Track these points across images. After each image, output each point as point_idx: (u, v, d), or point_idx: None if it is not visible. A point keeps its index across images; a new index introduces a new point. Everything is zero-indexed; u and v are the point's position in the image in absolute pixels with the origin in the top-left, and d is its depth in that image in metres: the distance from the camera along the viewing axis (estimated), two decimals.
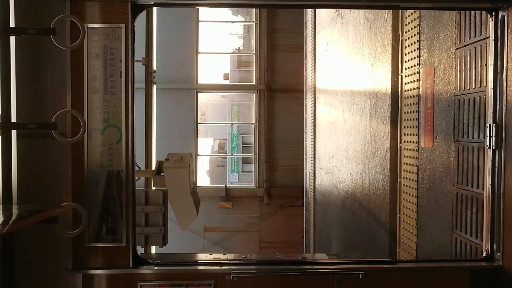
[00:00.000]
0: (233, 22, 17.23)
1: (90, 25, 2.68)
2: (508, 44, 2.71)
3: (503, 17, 2.75)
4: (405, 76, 4.56)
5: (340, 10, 7.08)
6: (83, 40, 2.56)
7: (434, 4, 3.00)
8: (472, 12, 3.24)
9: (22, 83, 2.51)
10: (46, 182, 2.72)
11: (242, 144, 17.40)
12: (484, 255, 2.87)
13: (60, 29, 2.48)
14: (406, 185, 4.53)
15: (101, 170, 2.72)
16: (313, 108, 10.07)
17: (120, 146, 2.72)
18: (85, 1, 2.68)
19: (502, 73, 2.75)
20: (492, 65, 2.81)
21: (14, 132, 2.45)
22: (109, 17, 2.69)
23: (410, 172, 4.42)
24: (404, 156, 4.58)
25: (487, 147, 2.85)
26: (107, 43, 2.69)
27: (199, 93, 13.74)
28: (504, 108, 2.74)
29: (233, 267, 2.79)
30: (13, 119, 2.47)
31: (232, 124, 17.37)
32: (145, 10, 2.91)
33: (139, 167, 7.79)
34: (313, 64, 10.23)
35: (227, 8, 13.31)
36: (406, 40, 4.53)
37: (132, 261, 2.75)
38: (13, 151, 2.45)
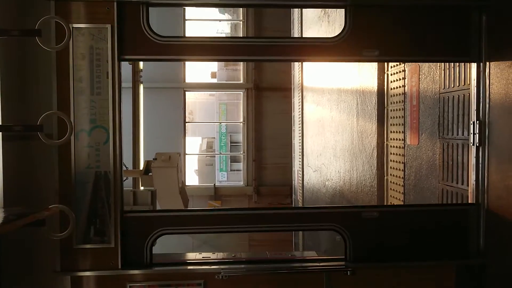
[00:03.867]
0: (220, 20, 17.18)
1: (75, 25, 2.65)
2: (489, 42, 2.77)
3: (484, 17, 2.81)
4: (391, 74, 4.61)
5: (327, 9, 7.11)
6: (69, 41, 2.54)
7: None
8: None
9: (7, 85, 2.48)
10: (33, 185, 2.70)
11: (231, 143, 17.40)
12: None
13: (45, 30, 2.46)
14: (393, 182, 4.58)
15: (89, 171, 2.70)
16: (301, 107, 10.11)
17: (108, 147, 2.71)
18: (70, 2, 2.65)
19: (485, 71, 2.81)
20: (475, 63, 2.86)
21: None
22: (94, 17, 2.67)
23: (396, 169, 4.48)
24: (391, 153, 4.64)
25: (471, 144, 2.91)
26: (93, 43, 2.67)
27: (186, 92, 13.68)
28: (487, 105, 2.80)
29: (222, 266, 2.80)
30: None
31: (220, 122, 17.35)
32: None
33: (127, 167, 7.74)
34: (300, 62, 10.26)
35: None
36: None
37: (121, 262, 2.74)
38: None
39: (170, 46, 2.78)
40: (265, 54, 2.87)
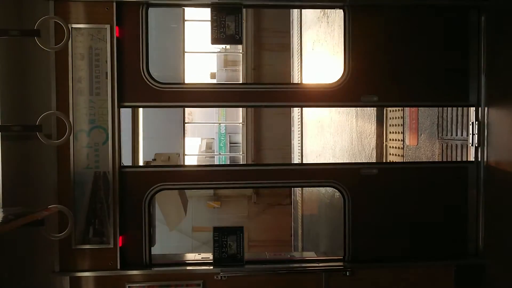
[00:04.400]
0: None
1: (74, 25, 2.66)
2: (487, 45, 2.78)
3: (480, 18, 2.83)
4: None
5: (326, 9, 7.12)
6: (68, 41, 2.54)
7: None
8: None
9: (6, 85, 2.48)
10: (32, 185, 2.69)
11: (230, 143, 17.38)
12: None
13: (44, 30, 2.46)
14: None
15: (88, 171, 2.70)
16: (300, 108, 10.11)
17: (107, 147, 2.71)
18: (70, 2, 2.66)
19: (483, 72, 2.82)
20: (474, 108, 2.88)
21: None
22: (94, 17, 2.67)
23: None
24: (390, 154, 4.64)
25: (470, 144, 2.91)
26: (92, 43, 2.68)
27: None
28: (486, 106, 2.81)
29: (221, 267, 2.80)
30: None
31: (220, 123, 17.35)
32: None
33: None
34: (299, 63, 10.27)
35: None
36: None
37: (120, 263, 2.74)
38: None
39: (169, 92, 2.80)
40: (264, 100, 2.87)
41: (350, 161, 5.85)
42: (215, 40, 2.81)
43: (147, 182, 2.78)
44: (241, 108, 13.86)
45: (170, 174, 2.85)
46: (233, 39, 2.83)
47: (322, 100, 2.88)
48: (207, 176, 2.88)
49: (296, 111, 10.84)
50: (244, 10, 2.83)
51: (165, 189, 2.81)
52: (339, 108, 6.44)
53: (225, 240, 2.83)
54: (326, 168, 2.99)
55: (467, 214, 2.88)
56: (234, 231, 2.84)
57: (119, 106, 2.71)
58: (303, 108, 9.75)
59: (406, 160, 4.20)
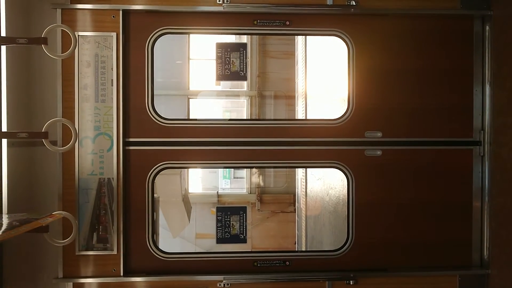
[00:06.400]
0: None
1: (81, 33, 2.69)
2: (491, 55, 2.80)
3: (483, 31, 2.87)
4: None
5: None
6: (75, 49, 2.56)
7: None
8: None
9: (13, 92, 2.51)
10: (37, 191, 2.71)
11: None
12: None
13: (51, 38, 2.49)
14: None
15: (92, 178, 2.72)
16: (304, 114, 10.12)
17: (111, 154, 2.73)
18: (76, 10, 2.69)
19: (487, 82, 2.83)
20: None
21: (4, 141, 2.44)
22: (100, 25, 2.71)
23: None
24: None
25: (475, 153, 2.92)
26: (98, 51, 2.70)
27: (190, 100, 13.72)
28: (491, 114, 2.82)
29: (225, 275, 2.80)
30: (4, 128, 2.46)
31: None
32: None
33: None
34: (304, 70, 10.30)
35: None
36: None
37: (123, 270, 2.74)
38: (3, 160, 2.44)
39: (174, 128, 2.83)
40: (268, 135, 2.88)
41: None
42: (220, 76, 2.89)
43: (152, 160, 2.80)
44: (245, 114, 13.88)
45: (174, 153, 2.85)
46: (238, 76, 2.91)
47: (326, 135, 2.88)
48: (211, 156, 2.87)
49: (300, 117, 10.84)
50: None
51: (169, 167, 2.83)
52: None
53: (228, 220, 2.84)
54: (330, 149, 2.94)
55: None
56: (237, 211, 2.86)
57: (124, 144, 2.75)
58: (308, 114, 9.76)
59: None
